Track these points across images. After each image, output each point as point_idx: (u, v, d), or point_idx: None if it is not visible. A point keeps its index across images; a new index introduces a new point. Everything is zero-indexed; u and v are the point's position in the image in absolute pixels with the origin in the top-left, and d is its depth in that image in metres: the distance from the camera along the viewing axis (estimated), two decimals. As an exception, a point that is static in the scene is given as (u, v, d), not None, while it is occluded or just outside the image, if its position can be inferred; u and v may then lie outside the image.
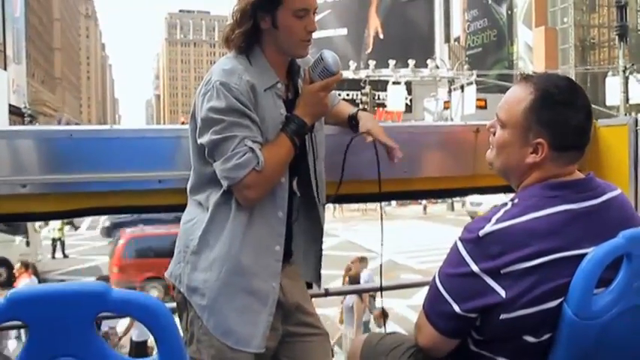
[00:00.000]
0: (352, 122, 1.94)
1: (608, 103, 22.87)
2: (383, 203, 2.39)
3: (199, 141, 1.66)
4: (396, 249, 15.93)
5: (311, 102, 1.74)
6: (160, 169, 1.97)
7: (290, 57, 1.79)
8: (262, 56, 1.73)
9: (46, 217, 1.97)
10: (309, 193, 1.84)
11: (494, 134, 1.49)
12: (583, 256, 1.28)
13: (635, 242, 1.29)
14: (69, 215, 1.97)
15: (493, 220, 1.33)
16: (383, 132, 1.90)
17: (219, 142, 1.62)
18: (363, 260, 9.64)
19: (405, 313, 9.96)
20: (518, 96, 1.41)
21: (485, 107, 24.71)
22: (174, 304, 1.80)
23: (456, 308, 1.33)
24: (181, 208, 2.04)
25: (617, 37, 19.68)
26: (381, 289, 2.26)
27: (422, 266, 15.14)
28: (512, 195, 1.45)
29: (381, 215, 2.07)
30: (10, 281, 16.50)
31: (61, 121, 60.42)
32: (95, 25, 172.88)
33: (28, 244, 16.87)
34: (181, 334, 1.49)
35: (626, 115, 18.42)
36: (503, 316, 1.29)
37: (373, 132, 1.88)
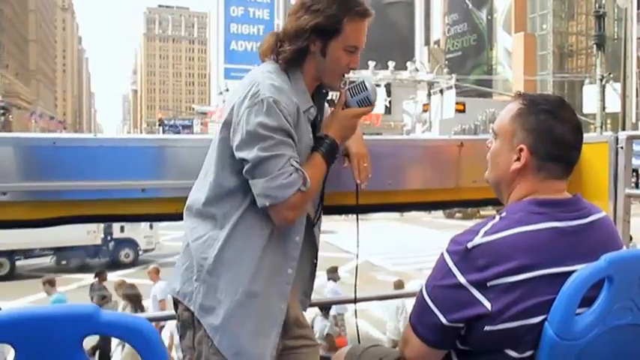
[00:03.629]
0: None
1: (585, 111, 23.24)
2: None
3: (239, 155, 1.62)
4: (373, 250, 15.99)
5: (345, 126, 1.77)
6: (143, 179, 1.95)
7: (320, 84, 1.80)
8: (301, 78, 1.74)
9: (27, 224, 1.92)
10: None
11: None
12: (567, 274, 1.30)
13: (615, 265, 1.31)
14: (50, 223, 1.93)
15: (481, 232, 1.34)
16: (362, 154, 1.91)
17: (265, 160, 1.59)
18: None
19: (381, 315, 9.97)
20: (510, 107, 1.48)
21: (464, 111, 24.99)
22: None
23: (443, 319, 1.34)
24: (164, 217, 2.02)
25: (594, 46, 19.95)
26: (355, 300, 2.17)
27: (398, 268, 15.22)
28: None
29: (357, 230, 2.02)
30: (135, 261, 17.03)
31: (35, 113, 59.50)
32: (72, 17, 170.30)
33: (151, 226, 17.24)
34: (175, 353, 1.46)
35: (602, 124, 18.74)
36: (487, 328, 1.30)
37: (351, 156, 1.90)
